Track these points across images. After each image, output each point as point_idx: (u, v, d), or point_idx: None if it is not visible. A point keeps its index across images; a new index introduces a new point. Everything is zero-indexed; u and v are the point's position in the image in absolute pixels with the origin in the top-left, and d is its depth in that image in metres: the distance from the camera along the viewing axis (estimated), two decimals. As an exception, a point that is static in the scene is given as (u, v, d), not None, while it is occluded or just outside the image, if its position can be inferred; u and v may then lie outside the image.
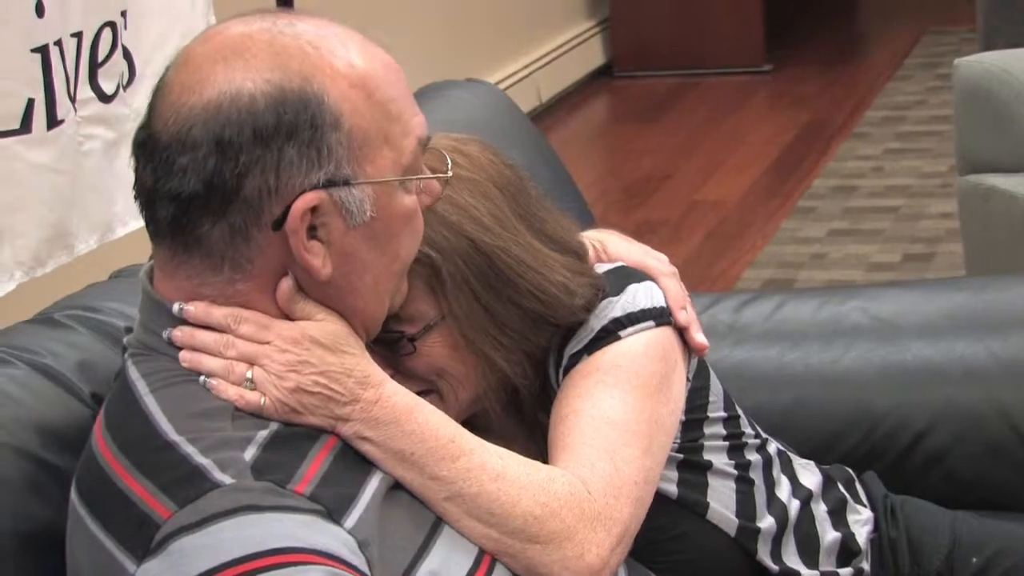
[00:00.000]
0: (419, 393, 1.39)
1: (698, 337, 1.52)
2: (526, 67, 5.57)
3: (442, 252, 1.42)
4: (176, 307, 1.27)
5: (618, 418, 1.41)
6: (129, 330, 1.36)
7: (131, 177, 2.32)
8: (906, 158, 4.87)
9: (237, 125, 1.22)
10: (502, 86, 4.94)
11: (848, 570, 1.63)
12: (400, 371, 1.44)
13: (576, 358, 1.48)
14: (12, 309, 1.92)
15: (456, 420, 1.38)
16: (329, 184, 1.24)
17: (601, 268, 1.54)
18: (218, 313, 1.26)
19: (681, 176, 4.90)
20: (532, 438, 1.54)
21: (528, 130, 2.31)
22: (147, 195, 1.27)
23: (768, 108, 5.68)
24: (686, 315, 1.52)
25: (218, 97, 1.23)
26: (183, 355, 1.27)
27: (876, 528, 1.68)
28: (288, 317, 1.29)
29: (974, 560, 1.67)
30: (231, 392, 1.25)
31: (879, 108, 5.45)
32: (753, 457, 1.60)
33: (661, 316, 1.50)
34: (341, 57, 1.26)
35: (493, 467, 1.32)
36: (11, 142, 2.07)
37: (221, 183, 1.22)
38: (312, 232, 1.25)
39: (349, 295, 1.30)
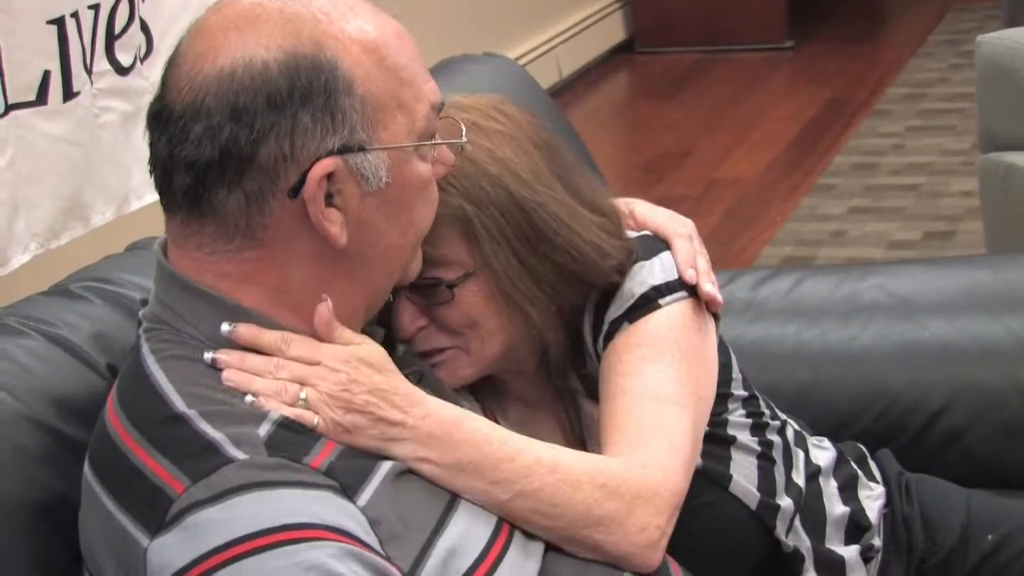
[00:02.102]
0: (441, 350, 1.42)
1: (707, 288, 1.52)
2: (546, 42, 5.55)
3: (479, 204, 1.43)
4: (225, 327, 1.26)
5: (666, 393, 1.43)
6: (145, 302, 1.36)
7: (147, 150, 2.34)
8: (928, 136, 4.85)
9: (251, 92, 1.22)
10: (522, 61, 4.93)
11: (855, 547, 1.63)
12: (434, 321, 1.45)
13: (617, 325, 1.49)
14: (29, 280, 1.92)
15: (477, 377, 1.42)
16: (344, 150, 1.24)
17: (631, 235, 1.55)
18: (268, 336, 1.27)
19: (701, 153, 4.88)
20: (560, 402, 1.55)
21: (547, 105, 2.31)
22: (162, 166, 1.27)
23: (789, 85, 5.66)
24: (693, 273, 1.52)
25: (231, 65, 1.23)
26: (227, 375, 1.25)
27: (888, 504, 1.68)
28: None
29: (989, 538, 1.67)
30: (288, 410, 1.24)
31: (901, 85, 5.42)
32: (774, 438, 1.60)
33: (692, 287, 1.52)
34: (352, 23, 1.26)
35: (548, 459, 1.33)
36: (27, 114, 2.07)
37: (236, 150, 1.22)
38: (328, 200, 1.25)
39: (361, 265, 1.30)
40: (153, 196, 2.31)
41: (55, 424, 1.38)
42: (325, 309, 1.27)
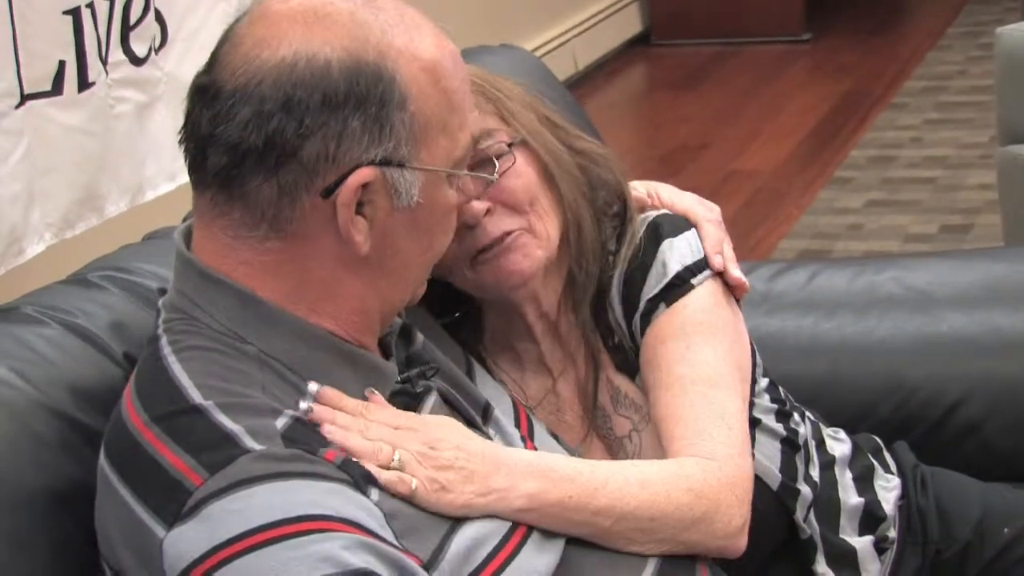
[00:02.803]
0: (509, 233, 1.47)
1: (735, 273, 1.55)
2: (563, 34, 5.54)
3: (501, 89, 1.51)
4: (312, 386, 1.27)
5: (717, 377, 1.48)
6: (163, 291, 1.36)
7: (162, 141, 2.35)
8: (945, 128, 4.83)
9: (309, 87, 1.22)
10: (538, 53, 4.92)
11: (869, 538, 1.63)
12: (500, 201, 1.48)
13: (653, 304, 1.52)
14: (47, 270, 1.92)
15: (544, 262, 1.48)
16: (385, 163, 1.25)
17: (654, 213, 1.58)
18: (349, 403, 1.28)
19: (718, 145, 4.88)
20: (573, 365, 1.56)
21: (564, 98, 2.30)
22: (199, 142, 1.27)
23: (807, 77, 5.64)
24: (720, 259, 1.55)
25: (294, 56, 1.23)
26: (327, 428, 1.26)
27: (904, 495, 1.68)
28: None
29: (1005, 531, 1.67)
30: (388, 476, 1.25)
31: (919, 78, 5.41)
32: (798, 428, 1.61)
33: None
34: (416, 40, 1.27)
35: (635, 478, 1.38)
36: (42, 104, 2.07)
37: (282, 141, 1.22)
38: (359, 208, 1.25)
39: (379, 276, 1.30)
40: (167, 186, 2.35)
41: (72, 412, 1.38)
42: (380, 397, 1.31)
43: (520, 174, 1.48)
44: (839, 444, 1.69)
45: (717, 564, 1.45)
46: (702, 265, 1.53)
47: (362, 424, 1.27)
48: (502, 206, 1.48)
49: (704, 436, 1.44)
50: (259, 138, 1.22)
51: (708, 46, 6.00)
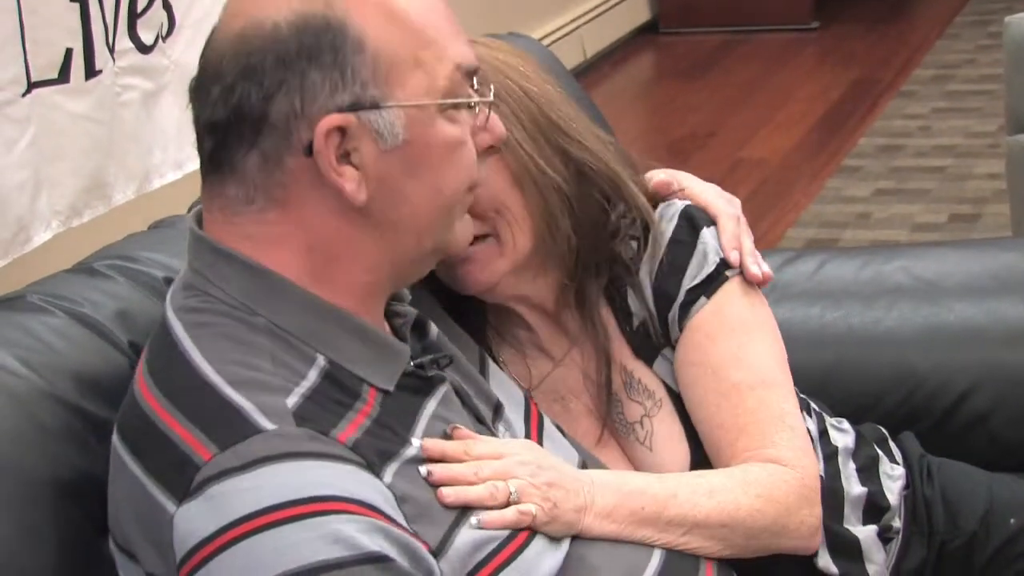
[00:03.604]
0: (477, 239, 1.45)
1: (752, 269, 1.55)
2: (571, 22, 5.54)
3: (498, 93, 1.45)
4: (415, 442, 1.28)
5: (769, 376, 1.50)
6: (168, 281, 1.36)
7: (169, 129, 2.35)
8: (954, 117, 4.82)
9: (261, 51, 1.24)
10: (546, 41, 4.92)
11: (873, 527, 1.62)
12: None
13: (695, 295, 1.52)
14: (52, 259, 1.92)
15: (508, 272, 1.47)
16: (356, 107, 1.24)
17: (681, 203, 1.58)
18: (449, 446, 1.30)
19: (725, 134, 4.87)
20: (580, 352, 1.56)
21: (571, 85, 2.30)
22: (196, 132, 1.30)
23: (815, 66, 5.63)
24: (737, 255, 1.55)
25: (243, 28, 1.25)
26: (449, 498, 1.27)
27: (908, 485, 1.68)
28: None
29: (1012, 522, 1.66)
30: (509, 516, 1.28)
31: (928, 66, 5.39)
32: (804, 423, 1.59)
33: None
34: None
35: (703, 487, 1.41)
36: (49, 92, 2.07)
37: (249, 108, 1.24)
38: (346, 158, 1.25)
39: (388, 228, 1.29)
40: (174, 174, 2.35)
41: (78, 401, 1.38)
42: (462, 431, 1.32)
43: (484, 182, 1.44)
44: (842, 435, 1.68)
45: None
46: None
47: (475, 466, 1.29)
48: (467, 214, 1.45)
49: (768, 443, 1.46)
50: (228, 111, 1.25)
51: (716, 34, 5.99)
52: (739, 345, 1.51)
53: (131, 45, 2.24)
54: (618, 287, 1.55)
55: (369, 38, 1.24)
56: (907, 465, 1.70)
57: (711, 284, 1.52)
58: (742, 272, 1.54)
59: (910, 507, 1.67)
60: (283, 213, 1.27)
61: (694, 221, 1.55)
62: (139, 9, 2.24)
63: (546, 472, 1.32)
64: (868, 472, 1.66)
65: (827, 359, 1.93)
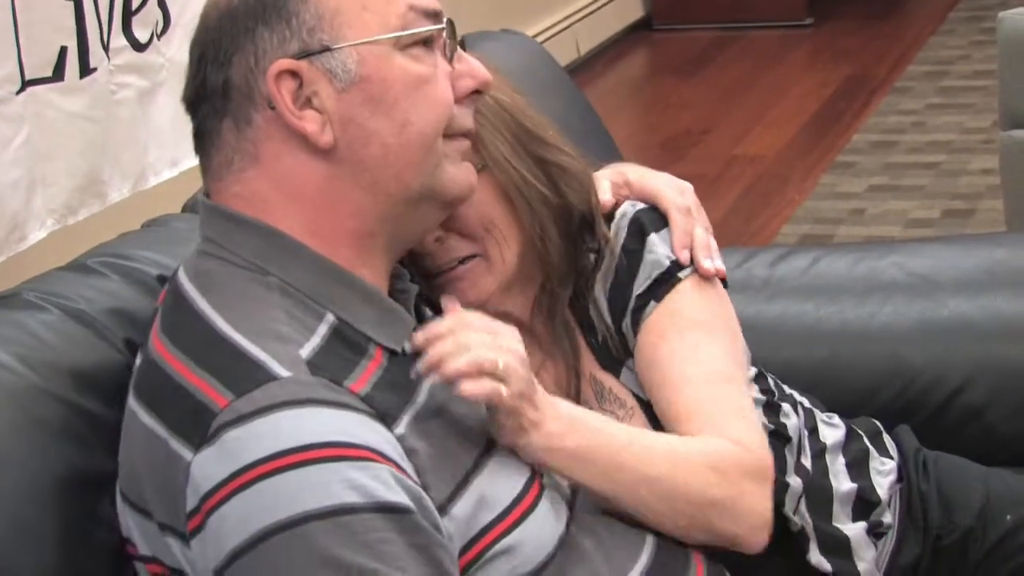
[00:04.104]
0: (465, 259, 1.46)
1: (705, 264, 1.53)
2: (564, 19, 5.54)
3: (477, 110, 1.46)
4: (407, 344, 1.31)
5: (722, 370, 1.48)
6: (161, 279, 1.38)
7: (164, 126, 2.35)
8: (948, 113, 4.83)
9: (216, 24, 1.31)
10: (540, 39, 4.92)
11: (862, 524, 1.62)
12: (452, 229, 1.47)
13: (644, 300, 1.51)
14: (45, 257, 1.92)
15: (495, 290, 1.47)
16: (306, 53, 1.28)
17: (632, 208, 1.56)
18: (434, 327, 1.31)
19: (720, 130, 4.87)
20: (553, 362, 1.55)
21: (564, 83, 2.30)
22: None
23: (809, 62, 5.63)
24: (687, 254, 1.53)
25: (206, 10, 1.33)
26: (425, 350, 1.30)
27: (900, 478, 1.68)
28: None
29: (1008, 518, 1.66)
30: (486, 387, 1.28)
31: (921, 62, 5.40)
32: (788, 420, 1.60)
33: None
34: None
35: (662, 446, 1.39)
36: (44, 90, 2.07)
37: (214, 77, 1.30)
38: (308, 104, 1.29)
39: (363, 170, 1.31)
40: (169, 172, 2.35)
41: (73, 398, 1.38)
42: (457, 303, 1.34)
43: (472, 202, 1.44)
44: (832, 430, 1.68)
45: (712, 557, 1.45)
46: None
47: (464, 341, 1.29)
48: (456, 233, 1.47)
49: (725, 429, 1.44)
50: (198, 85, 1.32)
51: (710, 31, 5.99)
52: (691, 343, 1.49)
53: (126, 43, 2.24)
54: (580, 301, 1.55)
55: None
56: (902, 459, 1.70)
57: (661, 287, 1.51)
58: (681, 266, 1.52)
59: (905, 502, 1.67)
60: (259, 168, 1.31)
61: (642, 227, 1.54)
62: (134, 7, 2.25)
63: (525, 373, 1.31)
64: (858, 467, 1.65)
65: (822, 354, 1.94)
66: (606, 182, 1.58)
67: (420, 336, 1.31)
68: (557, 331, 1.54)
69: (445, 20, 1.35)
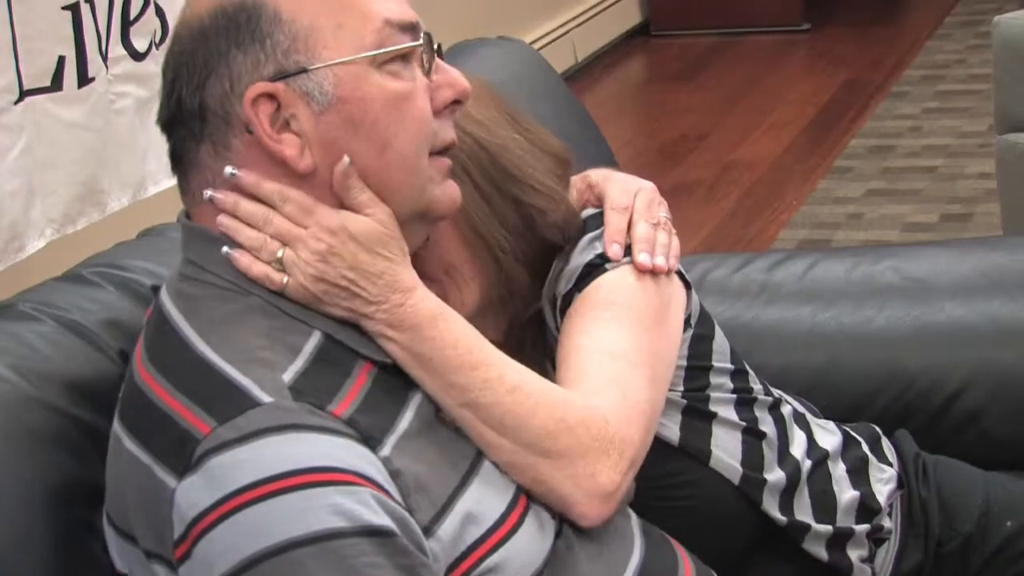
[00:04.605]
0: None
1: (640, 258, 1.48)
2: (562, 26, 5.54)
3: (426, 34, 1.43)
4: (228, 170, 1.29)
5: (619, 350, 1.41)
6: (155, 288, 1.37)
7: (162, 136, 2.34)
8: (945, 117, 4.83)
9: (190, 46, 1.29)
10: (537, 45, 4.92)
11: (865, 526, 1.62)
12: (413, 267, 1.43)
13: (569, 297, 1.48)
14: (41, 266, 1.93)
15: None
16: (281, 75, 1.27)
17: (586, 212, 1.54)
18: (267, 187, 1.29)
19: (717, 136, 4.87)
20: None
21: (561, 89, 2.30)
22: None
23: (806, 67, 5.64)
24: (617, 248, 1.49)
25: (178, 31, 1.32)
26: (221, 219, 1.29)
27: (900, 485, 1.68)
28: (340, 202, 1.30)
29: (1008, 524, 1.66)
30: (256, 269, 1.28)
31: (918, 67, 5.40)
32: (763, 415, 1.59)
33: None
34: None
35: (510, 380, 1.32)
36: (42, 100, 2.07)
37: (189, 100, 1.29)
38: (287, 127, 1.28)
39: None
40: (168, 181, 2.34)
41: (68, 408, 1.39)
42: (345, 161, 1.28)
43: (434, 245, 1.44)
44: (829, 436, 1.67)
45: (699, 557, 1.44)
46: (625, 251, 1.48)
47: (265, 216, 1.28)
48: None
49: (595, 393, 1.36)
50: (172, 108, 1.30)
51: (707, 37, 5.99)
52: (594, 319, 1.43)
53: (124, 52, 2.24)
54: (543, 326, 1.53)
55: (284, 10, 1.28)
56: (902, 465, 1.70)
57: (584, 280, 1.48)
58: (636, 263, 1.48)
59: (906, 509, 1.67)
60: (239, 191, 1.30)
61: (584, 231, 1.51)
62: (132, 16, 2.25)
63: (339, 270, 1.28)
64: (858, 474, 1.65)
65: (819, 359, 1.93)
66: (573, 190, 1.57)
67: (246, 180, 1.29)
68: (528, 355, 1.50)
69: (423, 34, 1.33)
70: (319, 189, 1.30)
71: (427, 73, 1.33)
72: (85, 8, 2.13)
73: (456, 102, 1.35)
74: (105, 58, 2.19)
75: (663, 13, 6.09)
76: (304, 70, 1.27)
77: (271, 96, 1.27)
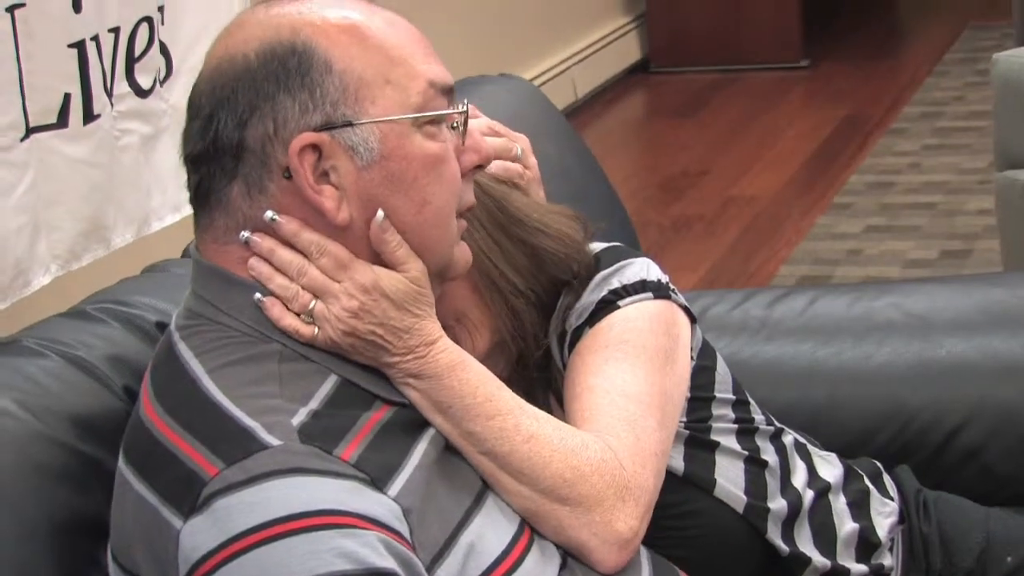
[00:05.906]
0: None
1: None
2: (562, 62, 5.56)
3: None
4: (268, 215, 1.29)
5: (631, 391, 1.42)
6: (160, 325, 1.38)
7: (167, 172, 2.37)
8: (944, 154, 4.85)
9: (233, 82, 1.28)
10: (538, 82, 4.94)
11: (863, 567, 1.62)
12: None
13: (579, 332, 1.49)
14: (46, 302, 1.93)
15: None
16: (328, 126, 1.27)
17: (597, 247, 1.56)
18: (307, 237, 1.29)
19: (717, 172, 4.89)
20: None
21: (561, 125, 2.31)
22: (186, 169, 1.33)
23: (805, 103, 5.66)
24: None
25: (218, 64, 1.30)
26: (254, 263, 1.29)
27: (901, 520, 1.68)
28: (375, 258, 1.31)
29: (1008, 559, 1.66)
30: (287, 321, 1.29)
31: (917, 104, 5.42)
32: (764, 444, 1.60)
33: (659, 289, 1.52)
34: (333, 11, 1.31)
35: (527, 428, 1.34)
36: (48, 136, 2.09)
37: (226, 138, 1.27)
38: (326, 177, 1.28)
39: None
40: (172, 217, 2.36)
41: (73, 443, 1.39)
42: (380, 217, 1.29)
43: (446, 294, 1.43)
44: (831, 468, 1.68)
45: None
46: (634, 288, 1.50)
47: (301, 265, 1.29)
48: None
49: (610, 434, 1.37)
50: (207, 143, 1.28)
51: (707, 73, 6.01)
52: (606, 359, 1.44)
53: (129, 89, 2.26)
54: (548, 360, 1.54)
55: (336, 60, 1.28)
56: (903, 500, 1.70)
57: (596, 315, 1.49)
58: (662, 296, 1.50)
59: (907, 544, 1.66)
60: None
61: (596, 267, 1.53)
62: (137, 54, 2.26)
63: (368, 326, 1.29)
64: (859, 508, 1.65)
65: (819, 395, 1.94)
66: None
67: (285, 226, 1.29)
68: (535, 392, 1.52)
69: (464, 103, 1.34)
70: (351, 241, 1.30)
71: (462, 140, 1.34)
72: (91, 46, 2.14)
73: (479, 166, 1.38)
74: (110, 95, 2.21)
75: (662, 50, 6.12)
76: (350, 123, 1.27)
77: (315, 146, 1.26)
